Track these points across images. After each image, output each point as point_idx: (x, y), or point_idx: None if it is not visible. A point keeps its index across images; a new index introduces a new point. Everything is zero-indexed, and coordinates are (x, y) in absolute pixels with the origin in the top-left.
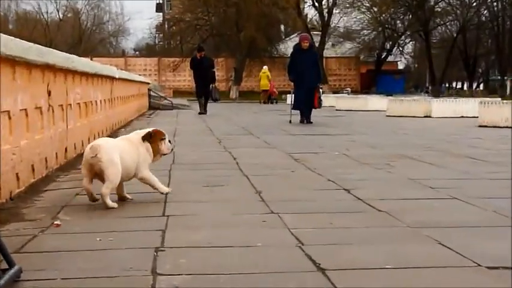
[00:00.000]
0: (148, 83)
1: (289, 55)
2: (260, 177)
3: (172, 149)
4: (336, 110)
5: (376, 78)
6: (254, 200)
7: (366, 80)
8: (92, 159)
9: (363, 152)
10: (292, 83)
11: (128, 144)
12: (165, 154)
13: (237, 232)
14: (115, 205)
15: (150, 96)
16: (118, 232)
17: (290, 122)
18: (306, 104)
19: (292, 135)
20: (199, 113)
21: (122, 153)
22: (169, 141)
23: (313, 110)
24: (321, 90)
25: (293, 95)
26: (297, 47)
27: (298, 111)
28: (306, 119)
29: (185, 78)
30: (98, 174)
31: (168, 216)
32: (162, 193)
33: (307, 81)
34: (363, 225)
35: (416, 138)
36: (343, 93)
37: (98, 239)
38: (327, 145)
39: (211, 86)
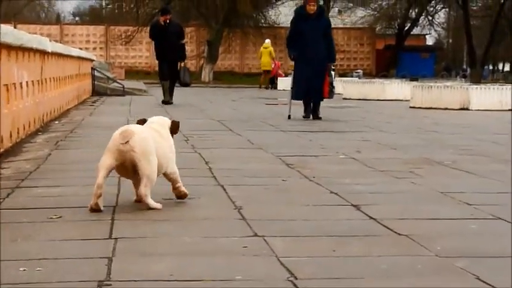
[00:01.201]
0: (92, 60)
1: (280, 24)
2: (240, 188)
3: None
4: (343, 98)
5: (396, 57)
6: (232, 218)
7: (383, 60)
8: (123, 146)
9: (379, 156)
10: (293, 62)
11: (158, 136)
12: None
13: (209, 261)
14: (159, 205)
15: (94, 77)
16: (49, 260)
17: (289, 117)
18: (313, 93)
19: (284, 132)
20: (164, 102)
21: (157, 145)
22: None
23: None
24: (333, 73)
25: (292, 79)
26: (301, 12)
27: (297, 102)
28: (313, 113)
29: (142, 54)
30: (124, 167)
31: (116, 238)
32: (185, 194)
33: (313, 60)
34: (376, 253)
35: (450, 138)
36: (352, 76)
37: (21, 269)
38: (330, 146)
39: (180, 64)
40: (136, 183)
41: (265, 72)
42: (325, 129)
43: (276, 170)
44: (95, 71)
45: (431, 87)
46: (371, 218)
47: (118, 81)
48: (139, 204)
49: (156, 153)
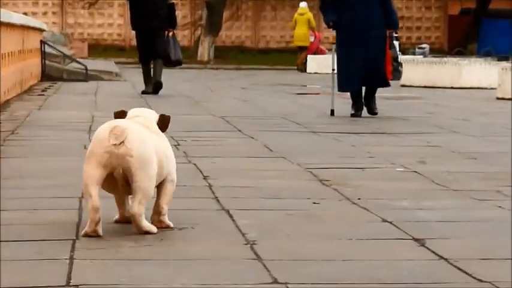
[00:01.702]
0: (42, 30)
1: None
2: (253, 214)
3: None
4: (402, 85)
5: (478, 27)
6: (242, 257)
7: (459, 30)
8: (116, 149)
9: (451, 168)
10: (333, 34)
11: (155, 134)
12: None
13: None
14: (154, 229)
15: (44, 54)
16: None
17: (332, 113)
18: (369, 77)
19: (316, 135)
20: (144, 92)
21: (155, 146)
22: None
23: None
24: (396, 43)
25: (336, 58)
26: None
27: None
28: (368, 107)
29: (112, 21)
30: (112, 178)
31: (76, 286)
32: (167, 227)
33: (364, 28)
34: None
35: None
36: (415, 54)
37: None
38: (382, 154)
39: (166, 34)
40: (121, 199)
41: (302, 49)
42: (375, 130)
43: (304, 188)
44: (46, 46)
45: None
46: (440, 257)
47: (79, 60)
48: (112, 233)
49: (158, 157)
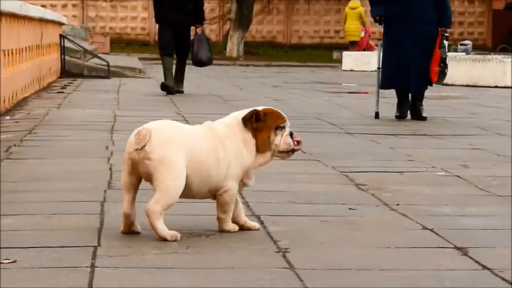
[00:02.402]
0: (62, 24)
1: None
2: (286, 220)
3: (297, 148)
4: (443, 84)
5: None
6: (273, 266)
7: (504, 25)
8: (136, 153)
9: (496, 172)
10: (380, 27)
11: (206, 136)
12: (282, 153)
13: None
14: (171, 235)
15: (64, 50)
16: None
17: (377, 116)
18: (413, 77)
19: (353, 136)
20: (164, 88)
21: (194, 148)
22: (291, 133)
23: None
24: (446, 44)
25: (381, 54)
26: None
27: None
28: (413, 110)
29: (136, 15)
30: (147, 180)
31: None
32: (228, 231)
33: (415, 25)
34: None
35: None
36: (457, 51)
37: None
38: (422, 156)
39: (195, 30)
40: None
41: (353, 44)
42: (414, 132)
43: (339, 192)
44: (66, 41)
45: None
46: (484, 267)
47: (100, 55)
48: (136, 240)
49: (201, 160)
